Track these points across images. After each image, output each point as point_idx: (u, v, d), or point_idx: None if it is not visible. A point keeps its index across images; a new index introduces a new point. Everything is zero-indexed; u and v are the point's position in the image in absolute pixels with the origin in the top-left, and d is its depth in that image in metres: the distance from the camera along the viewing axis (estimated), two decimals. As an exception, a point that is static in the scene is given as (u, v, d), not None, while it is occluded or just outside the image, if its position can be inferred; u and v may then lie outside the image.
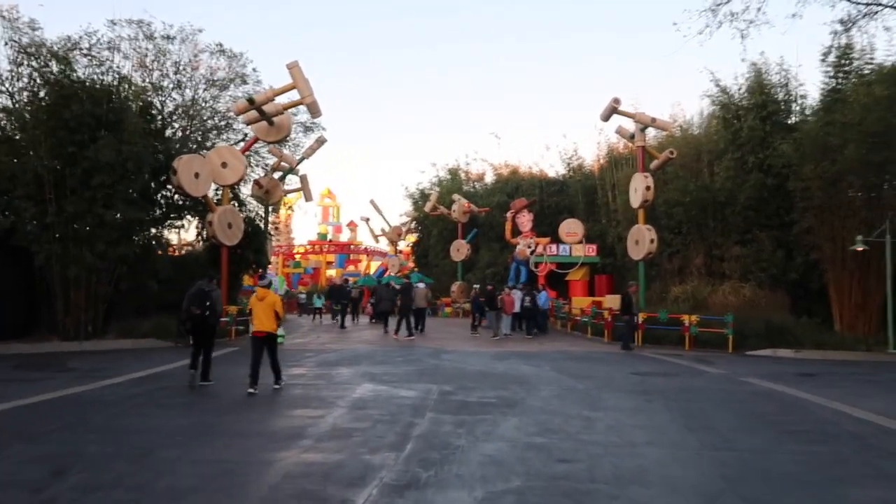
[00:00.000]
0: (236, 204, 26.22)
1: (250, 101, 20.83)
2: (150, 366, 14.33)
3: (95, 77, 20.08)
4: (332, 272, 58.78)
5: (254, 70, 27.84)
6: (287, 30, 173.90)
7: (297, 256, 58.67)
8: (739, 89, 24.18)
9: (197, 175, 21.02)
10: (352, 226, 60.74)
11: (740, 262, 22.63)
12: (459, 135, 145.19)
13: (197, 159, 21.61)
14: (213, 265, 23.54)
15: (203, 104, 26.85)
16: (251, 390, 10.51)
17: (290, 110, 23.42)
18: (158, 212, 22.45)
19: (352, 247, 59.63)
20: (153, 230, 22.31)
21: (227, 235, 22.61)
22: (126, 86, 21.02)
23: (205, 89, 26.67)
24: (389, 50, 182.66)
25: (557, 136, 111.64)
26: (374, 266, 57.35)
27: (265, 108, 21.81)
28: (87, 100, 19.01)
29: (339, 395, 10.50)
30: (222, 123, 27.85)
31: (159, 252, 23.88)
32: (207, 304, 11.32)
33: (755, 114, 23.09)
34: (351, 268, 59.27)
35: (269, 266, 56.08)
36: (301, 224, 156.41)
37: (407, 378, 12.36)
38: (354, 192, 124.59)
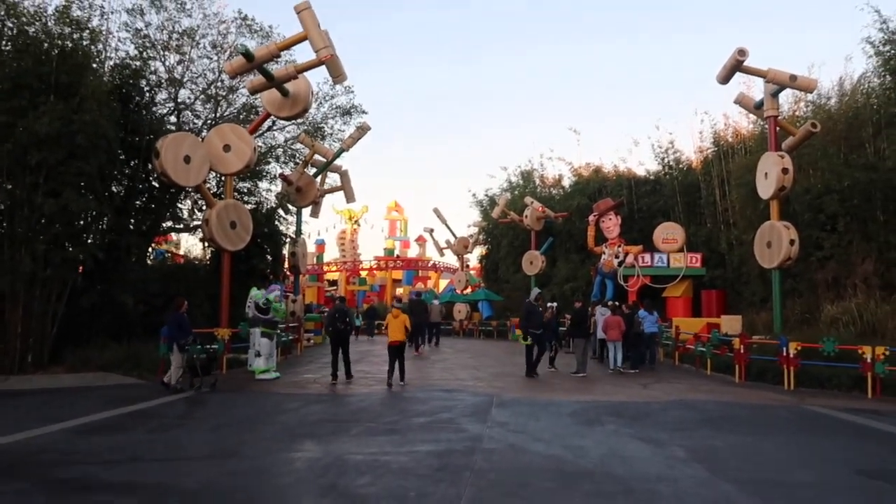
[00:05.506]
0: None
1: (247, 55, 14.83)
2: (25, 427, 8.33)
3: (53, 30, 14.64)
4: (399, 290, 52.88)
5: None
6: (337, 15, 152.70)
7: (363, 273, 53.00)
8: (919, 30, 16.56)
9: (188, 159, 15.28)
10: (420, 241, 54.54)
11: (936, 269, 14.98)
12: (533, 133, 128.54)
13: (189, 139, 15.94)
14: (213, 277, 17.84)
15: (221, 85, 21.24)
16: (390, 383, 12.71)
17: (322, 86, 17.61)
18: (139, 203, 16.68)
19: (420, 263, 53.50)
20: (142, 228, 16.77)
21: (230, 238, 16.68)
22: (95, 46, 15.44)
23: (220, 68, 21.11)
24: (455, 43, 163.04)
25: (648, 129, 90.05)
26: (443, 283, 51.10)
27: (274, 72, 15.99)
28: (28, 55, 13.64)
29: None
30: (243, 115, 22.11)
31: (155, 259, 18.46)
32: (347, 319, 13.96)
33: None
34: (420, 285, 53.19)
35: (333, 284, 50.70)
36: (367, 239, 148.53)
37: (402, 486, 5.77)
38: (420, 201, 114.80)
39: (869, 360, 12.35)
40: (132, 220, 16.35)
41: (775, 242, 16.52)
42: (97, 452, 7.09)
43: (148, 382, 13.12)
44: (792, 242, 16.20)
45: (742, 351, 14.70)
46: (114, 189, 15.55)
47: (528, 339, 14.86)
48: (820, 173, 17.90)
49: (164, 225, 19.14)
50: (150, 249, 18.50)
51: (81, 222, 14.29)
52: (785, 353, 13.56)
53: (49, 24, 14.61)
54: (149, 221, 17.36)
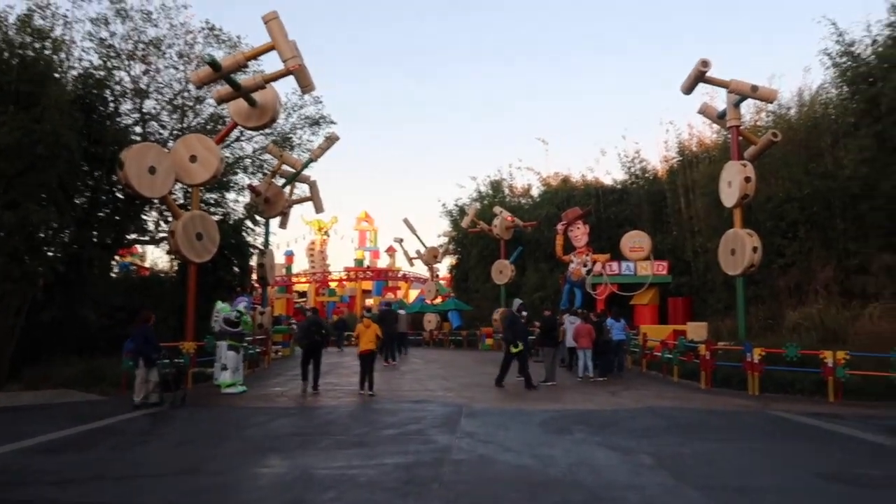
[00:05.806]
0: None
1: (213, 65, 14.65)
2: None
3: (14, 39, 14.31)
4: (370, 301, 52.62)
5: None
6: (308, 28, 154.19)
7: (333, 284, 52.65)
8: (873, 43, 16.99)
9: (153, 170, 14.98)
10: (390, 251, 54.40)
11: (893, 274, 15.34)
12: (502, 143, 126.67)
13: (154, 150, 15.62)
14: (178, 289, 17.55)
15: (188, 95, 20.93)
16: (361, 392, 12.91)
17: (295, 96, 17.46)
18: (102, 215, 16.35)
19: (390, 273, 53.32)
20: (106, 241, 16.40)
21: (195, 250, 16.35)
22: (57, 56, 15.14)
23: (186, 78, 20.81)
24: (422, 53, 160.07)
25: (615, 139, 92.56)
26: (414, 293, 50.98)
27: (242, 81, 15.82)
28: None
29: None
30: (210, 125, 21.78)
31: (119, 272, 18.08)
32: (323, 331, 14.47)
33: (901, 72, 15.91)
34: (390, 295, 52.98)
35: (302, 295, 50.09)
36: (337, 250, 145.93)
37: (369, 500, 5.70)
38: (390, 211, 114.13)
39: (830, 365, 12.58)
40: (95, 232, 16.00)
41: (739, 250, 16.74)
42: (56, 472, 6.88)
43: (111, 398, 12.81)
44: (755, 250, 16.41)
45: (708, 357, 14.89)
46: (76, 200, 15.23)
47: (520, 346, 14.67)
48: (781, 182, 18.28)
49: (128, 237, 18.78)
50: (113, 262, 18.10)
51: (42, 235, 13.93)
52: (749, 359, 13.75)
53: (10, 33, 14.30)
54: (113, 233, 17.02)
